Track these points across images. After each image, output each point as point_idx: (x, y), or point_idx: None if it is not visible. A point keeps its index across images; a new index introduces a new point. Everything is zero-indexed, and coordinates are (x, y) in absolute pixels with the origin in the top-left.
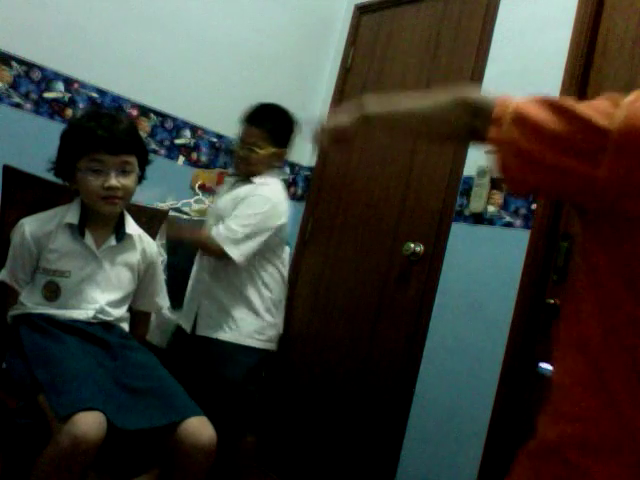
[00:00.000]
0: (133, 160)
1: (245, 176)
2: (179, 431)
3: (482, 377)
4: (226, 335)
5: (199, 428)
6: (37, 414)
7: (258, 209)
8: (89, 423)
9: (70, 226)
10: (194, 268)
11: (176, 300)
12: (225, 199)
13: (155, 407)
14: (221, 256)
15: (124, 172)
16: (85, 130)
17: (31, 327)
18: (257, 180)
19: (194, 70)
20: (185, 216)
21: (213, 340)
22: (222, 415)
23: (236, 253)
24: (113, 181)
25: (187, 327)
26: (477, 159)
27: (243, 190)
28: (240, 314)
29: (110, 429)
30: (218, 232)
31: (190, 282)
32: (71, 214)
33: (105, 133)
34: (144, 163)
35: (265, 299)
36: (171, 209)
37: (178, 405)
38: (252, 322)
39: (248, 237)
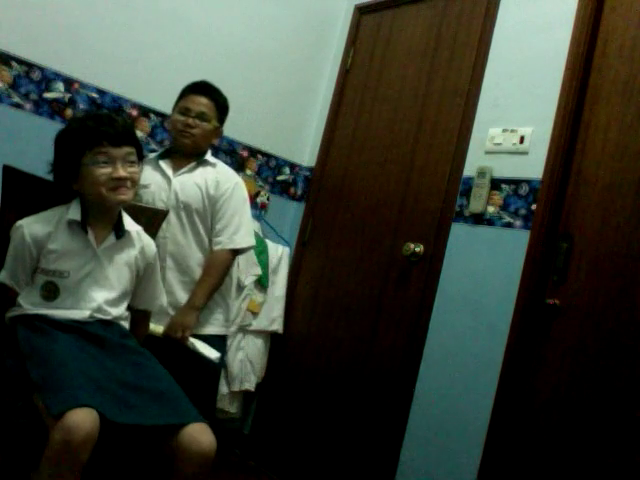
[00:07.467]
0: (134, 151)
1: (188, 152)
2: (181, 436)
3: (482, 377)
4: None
5: (201, 434)
6: (35, 414)
7: (244, 196)
8: (80, 419)
9: (71, 223)
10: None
11: None
12: (185, 184)
13: (157, 407)
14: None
15: (129, 162)
16: (87, 128)
17: (27, 326)
18: (210, 159)
19: (194, 70)
20: None
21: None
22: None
23: (249, 240)
24: (121, 171)
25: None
26: (477, 159)
27: (208, 174)
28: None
29: (111, 426)
30: (220, 242)
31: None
32: (72, 211)
33: (107, 128)
34: (140, 157)
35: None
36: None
37: (181, 409)
38: (223, 310)
39: (248, 221)
